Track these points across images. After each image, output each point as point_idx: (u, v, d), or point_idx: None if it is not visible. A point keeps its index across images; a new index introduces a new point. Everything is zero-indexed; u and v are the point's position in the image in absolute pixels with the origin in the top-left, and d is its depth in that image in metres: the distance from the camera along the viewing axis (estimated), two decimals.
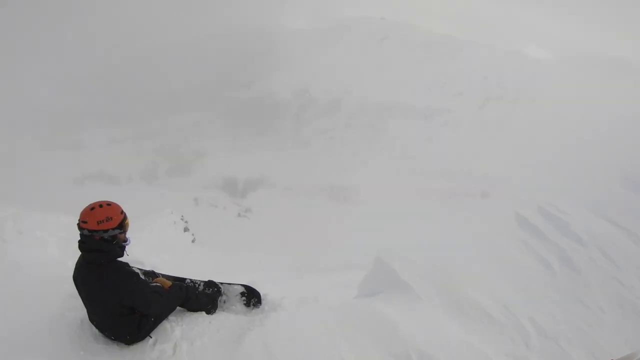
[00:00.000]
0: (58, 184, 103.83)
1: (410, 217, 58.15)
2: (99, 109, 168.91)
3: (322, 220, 67.57)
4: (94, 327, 3.21)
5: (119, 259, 2.91)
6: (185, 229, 21.60)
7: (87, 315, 3.14)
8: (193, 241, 19.71)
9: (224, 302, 3.78)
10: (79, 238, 2.77)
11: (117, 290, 2.79)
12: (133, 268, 3.15)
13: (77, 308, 3.41)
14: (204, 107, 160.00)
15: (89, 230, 2.73)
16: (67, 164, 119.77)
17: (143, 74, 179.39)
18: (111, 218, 2.83)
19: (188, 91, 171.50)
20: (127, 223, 3.02)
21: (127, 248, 3.01)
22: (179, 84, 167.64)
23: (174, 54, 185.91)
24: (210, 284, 3.75)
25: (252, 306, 3.82)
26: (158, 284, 3.28)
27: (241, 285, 3.89)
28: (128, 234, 3.06)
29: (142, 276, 3.28)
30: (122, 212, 2.95)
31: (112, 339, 3.11)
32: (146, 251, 5.83)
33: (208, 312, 3.53)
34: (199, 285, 3.66)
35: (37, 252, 4.79)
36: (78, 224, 2.73)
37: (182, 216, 23.15)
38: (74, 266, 3.11)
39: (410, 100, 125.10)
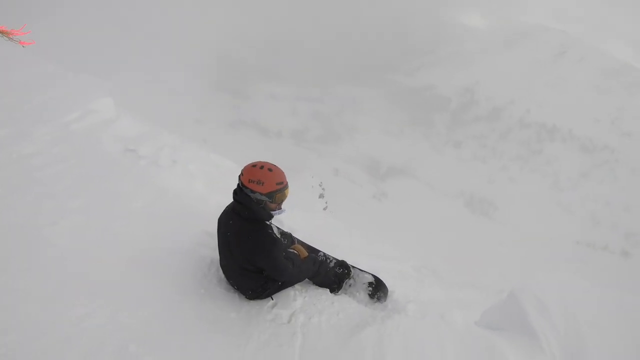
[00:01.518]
0: (214, 122, 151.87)
1: (552, 256, 68.26)
2: (266, 66, 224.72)
3: (455, 227, 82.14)
4: (221, 271, 4.00)
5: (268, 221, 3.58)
6: (321, 196, 25.30)
7: (218, 257, 3.86)
8: (325, 209, 21.97)
9: (350, 285, 4.41)
10: (236, 189, 3.60)
11: (252, 249, 3.47)
12: (273, 229, 3.77)
13: (211, 247, 4.22)
14: (366, 85, 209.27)
15: (242, 184, 3.47)
16: (227, 108, 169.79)
17: (315, 41, 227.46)
18: (263, 183, 3.40)
19: (355, 67, 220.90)
20: (284, 195, 3.61)
21: (277, 216, 3.69)
22: (348, 59, 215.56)
23: (350, 31, 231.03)
24: (342, 264, 4.47)
25: (375, 299, 4.36)
26: (295, 252, 3.98)
27: (372, 275, 4.50)
28: (285, 205, 3.75)
29: (279, 237, 3.94)
30: (280, 182, 3.52)
31: (234, 289, 3.89)
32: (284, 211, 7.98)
33: (332, 291, 4.25)
34: (331, 261, 4.37)
35: (186, 183, 6.08)
36: (240, 177, 3.55)
37: (321, 183, 28.46)
38: (216, 204, 4.17)
39: (575, 128, 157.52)
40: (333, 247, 5.69)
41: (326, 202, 26.46)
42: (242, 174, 3.57)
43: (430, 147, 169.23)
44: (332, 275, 4.40)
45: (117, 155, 6.38)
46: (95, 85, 9.64)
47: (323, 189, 30.03)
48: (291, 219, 6.36)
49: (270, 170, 3.58)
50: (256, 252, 3.54)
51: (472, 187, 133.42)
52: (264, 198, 3.55)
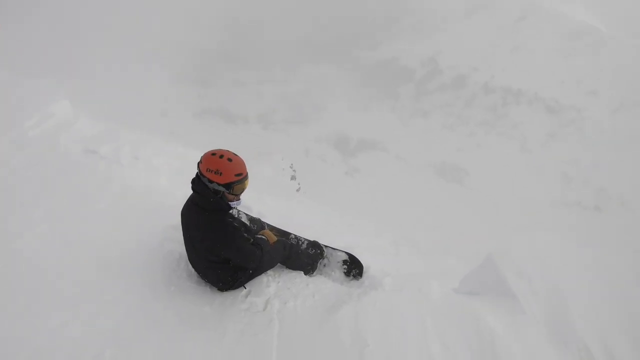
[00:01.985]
0: (179, 114, 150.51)
1: (526, 218, 74.29)
2: (227, 51, 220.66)
3: (428, 197, 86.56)
4: (190, 265, 3.93)
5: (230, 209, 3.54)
6: (292, 177, 25.68)
7: (185, 252, 3.73)
8: (298, 190, 22.56)
9: (324, 265, 4.52)
10: (194, 179, 3.48)
11: (214, 240, 3.40)
12: (240, 214, 4.17)
13: (178, 241, 4.07)
14: (330, 62, 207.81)
15: (200, 172, 3.39)
16: (191, 98, 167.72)
17: (274, 22, 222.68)
18: (221, 173, 3.33)
19: (317, 45, 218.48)
20: (243, 186, 3.53)
21: (242, 203, 3.67)
22: (309, 37, 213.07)
23: (308, 8, 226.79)
24: (314, 244, 4.55)
25: (351, 277, 4.45)
26: (264, 237, 3.96)
27: (345, 252, 4.57)
28: (243, 196, 3.66)
29: (248, 223, 4.27)
30: (239, 174, 3.42)
31: (205, 281, 3.90)
32: (252, 196, 6.75)
33: (306, 273, 4.32)
34: (303, 243, 4.47)
35: (149, 179, 6.12)
36: (200, 165, 3.44)
37: (292, 164, 27.56)
38: (182, 197, 3.84)
39: (540, 91, 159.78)
40: (306, 227, 5.82)
41: (299, 184, 27.50)
42: (201, 161, 3.53)
43: (397, 119, 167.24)
44: (304, 257, 4.44)
45: (78, 158, 6.52)
46: (51, 89, 9.80)
47: (294, 170, 31.76)
48: (262, 204, 6.72)
49: (229, 160, 3.52)
50: (218, 242, 3.51)
51: (442, 156, 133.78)
52: (221, 188, 3.53)
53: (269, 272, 4.28)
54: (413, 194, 76.84)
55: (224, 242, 3.51)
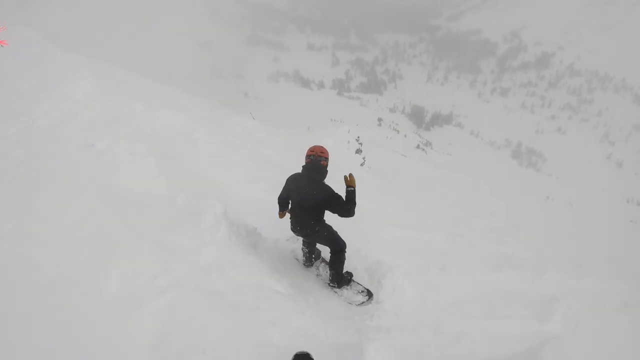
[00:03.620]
0: (255, 75, 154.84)
1: (598, 215, 60.69)
2: (303, 15, 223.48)
3: (502, 181, 77.52)
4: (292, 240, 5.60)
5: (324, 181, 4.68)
6: (358, 151, 26.36)
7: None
8: (362, 165, 23.24)
9: (346, 289, 5.41)
10: (306, 162, 4.71)
11: (325, 198, 4.52)
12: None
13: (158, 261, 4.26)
14: (408, 31, 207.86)
15: (316, 155, 4.62)
16: (265, 61, 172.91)
17: None
18: (325, 152, 4.72)
19: (396, 13, 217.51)
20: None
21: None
22: (388, 3, 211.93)
23: None
24: (348, 273, 5.48)
25: (361, 304, 5.26)
26: (351, 188, 4.68)
27: (367, 290, 5.37)
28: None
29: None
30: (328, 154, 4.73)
31: (297, 229, 4.92)
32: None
33: (331, 284, 5.33)
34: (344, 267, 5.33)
35: (143, 180, 5.86)
36: (308, 153, 4.67)
37: (358, 137, 28.69)
38: (183, 203, 5.20)
39: (628, 77, 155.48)
40: (364, 212, 6.12)
41: (363, 158, 25.30)
42: (312, 150, 4.76)
43: (475, 94, 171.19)
44: (342, 272, 5.27)
45: (73, 154, 6.02)
46: (77, 66, 9.94)
47: (360, 143, 30.40)
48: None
49: (323, 147, 4.87)
50: (330, 197, 4.60)
51: (520, 138, 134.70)
52: (326, 162, 4.81)
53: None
54: (486, 175, 73.81)
55: (331, 196, 4.60)
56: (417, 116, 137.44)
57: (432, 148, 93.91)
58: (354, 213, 4.51)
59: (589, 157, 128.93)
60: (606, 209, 70.44)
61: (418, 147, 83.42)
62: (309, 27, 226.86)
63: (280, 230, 6.00)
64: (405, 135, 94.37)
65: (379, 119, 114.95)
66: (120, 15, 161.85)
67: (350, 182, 4.55)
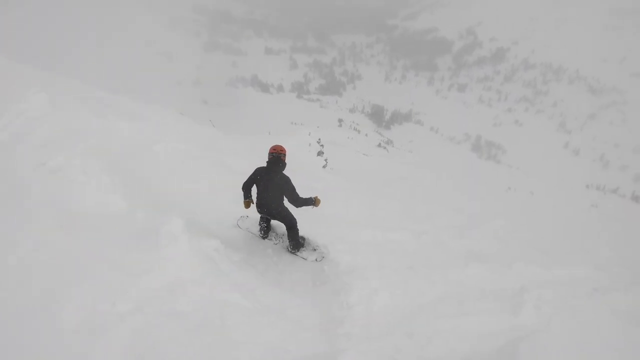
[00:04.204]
0: (213, 82, 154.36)
1: (562, 201, 65.33)
2: (260, 20, 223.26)
3: (463, 173, 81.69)
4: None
5: (284, 172, 5.82)
6: (319, 153, 26.55)
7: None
8: (324, 166, 23.24)
9: (303, 250, 6.67)
10: (268, 158, 5.86)
11: (283, 183, 5.76)
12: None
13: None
14: (366, 32, 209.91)
15: (277, 152, 5.83)
16: (224, 67, 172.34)
17: None
18: (284, 150, 5.94)
19: (352, 14, 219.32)
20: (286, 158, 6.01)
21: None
22: (344, 6, 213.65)
23: None
24: (302, 237, 6.81)
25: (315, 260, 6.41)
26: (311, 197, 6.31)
27: (318, 254, 6.51)
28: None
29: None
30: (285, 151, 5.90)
31: (263, 209, 6.10)
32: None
33: (291, 249, 6.53)
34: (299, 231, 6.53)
35: (96, 201, 5.65)
36: (270, 151, 5.88)
37: (319, 139, 29.06)
38: (140, 223, 5.29)
39: (581, 68, 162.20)
40: (329, 215, 7.63)
41: (325, 160, 25.39)
42: (273, 149, 6.00)
43: (434, 91, 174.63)
44: (298, 240, 6.52)
45: (25, 176, 5.68)
46: (30, 80, 9.63)
47: (322, 145, 30.68)
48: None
49: (280, 145, 6.12)
50: (284, 184, 5.91)
51: (479, 131, 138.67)
52: (284, 158, 6.08)
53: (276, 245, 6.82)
54: (447, 169, 75.84)
55: (288, 185, 5.90)
56: (377, 115, 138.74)
57: (393, 146, 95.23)
58: (298, 206, 6.03)
59: (546, 147, 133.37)
60: (567, 195, 72.67)
61: (379, 145, 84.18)
62: (266, 31, 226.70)
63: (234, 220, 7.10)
64: (366, 135, 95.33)
65: (340, 120, 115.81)
66: (76, 26, 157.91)
67: (315, 203, 6.13)
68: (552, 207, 53.11)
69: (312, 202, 6.09)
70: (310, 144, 28.29)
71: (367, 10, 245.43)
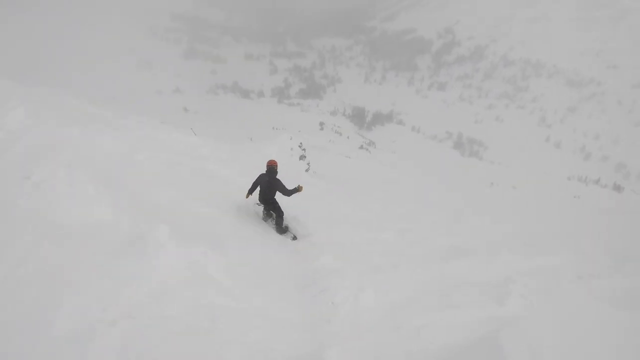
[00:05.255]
0: (193, 90, 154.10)
1: (545, 194, 64.91)
2: (239, 26, 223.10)
3: (446, 171, 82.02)
4: (257, 205, 9.45)
5: (277, 176, 8.35)
6: (302, 157, 26.99)
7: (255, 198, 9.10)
8: (307, 170, 23.77)
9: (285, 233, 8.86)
10: (266, 169, 8.48)
11: (276, 185, 8.20)
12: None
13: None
14: (344, 35, 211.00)
15: (272, 165, 8.43)
16: (204, 74, 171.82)
17: None
18: (276, 163, 8.50)
19: (330, 16, 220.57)
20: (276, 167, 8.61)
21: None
22: (323, 10, 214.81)
23: None
24: (287, 226, 9.07)
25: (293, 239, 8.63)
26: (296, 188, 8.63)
27: (293, 235, 8.72)
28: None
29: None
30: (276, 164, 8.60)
31: (263, 201, 8.78)
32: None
33: (280, 232, 8.77)
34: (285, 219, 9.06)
35: (81, 212, 5.47)
36: (268, 164, 8.53)
37: (301, 143, 29.18)
38: (126, 233, 5.33)
39: (560, 62, 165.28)
40: (317, 218, 9.30)
41: (308, 164, 27.78)
42: (269, 163, 8.56)
43: (414, 91, 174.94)
44: (282, 226, 8.86)
45: (9, 190, 5.60)
46: (8, 94, 9.53)
47: (304, 149, 30.97)
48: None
49: (274, 161, 8.67)
50: (278, 185, 8.39)
51: (460, 129, 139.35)
52: (276, 169, 8.56)
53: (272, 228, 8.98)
54: (431, 168, 76.61)
55: (280, 185, 8.39)
56: (359, 117, 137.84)
57: (375, 147, 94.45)
58: (289, 195, 8.40)
59: (528, 142, 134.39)
60: (550, 188, 73.52)
61: (362, 147, 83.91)
62: (245, 37, 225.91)
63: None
64: (348, 137, 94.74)
65: (321, 123, 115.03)
66: (55, 36, 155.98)
67: (299, 189, 8.41)
68: (535, 200, 53.69)
69: (298, 190, 8.41)
70: (292, 149, 28.09)
71: (345, 13, 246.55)
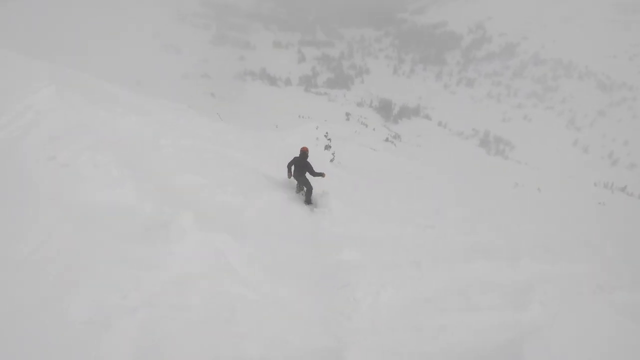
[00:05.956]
0: (221, 75, 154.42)
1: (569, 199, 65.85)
2: (267, 13, 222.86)
3: (471, 169, 78.56)
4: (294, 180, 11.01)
5: (308, 159, 10.20)
6: (327, 147, 27.39)
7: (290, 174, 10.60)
8: (331, 160, 23.74)
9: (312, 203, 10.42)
10: (300, 154, 10.34)
11: (307, 166, 10.04)
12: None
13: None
14: (374, 26, 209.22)
15: (305, 151, 10.33)
16: (232, 60, 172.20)
17: None
18: (307, 149, 10.45)
19: (360, 7, 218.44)
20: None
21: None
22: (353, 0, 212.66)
23: None
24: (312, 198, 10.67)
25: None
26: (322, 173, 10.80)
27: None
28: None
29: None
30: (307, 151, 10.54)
31: (297, 177, 10.54)
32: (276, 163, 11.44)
33: (306, 203, 10.34)
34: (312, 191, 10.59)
35: (105, 194, 5.53)
36: (301, 150, 10.42)
37: (327, 133, 29.64)
38: (146, 214, 5.46)
39: (591, 64, 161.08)
40: (335, 209, 9.85)
41: (333, 154, 27.57)
42: (302, 150, 10.31)
43: (442, 86, 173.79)
44: (310, 199, 10.32)
45: (34, 170, 5.59)
46: (38, 73, 9.55)
47: (329, 139, 30.63)
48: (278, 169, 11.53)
49: (306, 148, 10.47)
50: (309, 166, 10.07)
51: (487, 127, 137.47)
52: (307, 153, 10.31)
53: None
54: (455, 165, 73.61)
55: (309, 167, 10.09)
56: (385, 109, 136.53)
57: (401, 140, 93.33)
58: (315, 176, 10.16)
59: (555, 144, 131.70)
60: (574, 193, 72.19)
61: (387, 140, 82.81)
62: (275, 25, 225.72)
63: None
64: (374, 129, 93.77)
65: (347, 114, 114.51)
66: (85, 20, 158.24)
67: (323, 175, 10.32)
68: (559, 204, 52.79)
69: (322, 174, 10.29)
70: (317, 138, 28.01)
71: (376, 3, 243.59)
